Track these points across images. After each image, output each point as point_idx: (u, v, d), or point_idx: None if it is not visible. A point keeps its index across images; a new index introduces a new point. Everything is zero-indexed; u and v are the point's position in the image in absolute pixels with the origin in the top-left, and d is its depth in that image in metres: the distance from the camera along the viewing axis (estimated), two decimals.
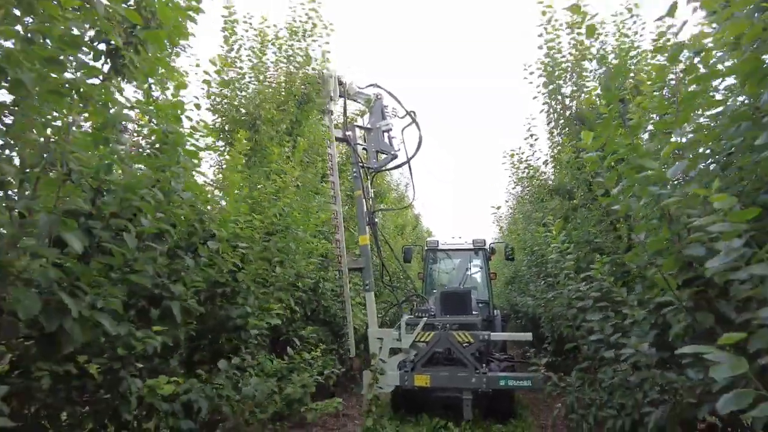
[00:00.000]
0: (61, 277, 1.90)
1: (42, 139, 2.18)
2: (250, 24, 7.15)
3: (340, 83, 6.77)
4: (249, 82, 7.01)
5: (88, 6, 2.40)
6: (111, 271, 2.25)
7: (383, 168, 7.42)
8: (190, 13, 2.96)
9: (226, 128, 6.74)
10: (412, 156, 6.96)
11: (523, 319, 11.13)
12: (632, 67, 6.22)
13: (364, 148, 7.02)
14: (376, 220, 6.94)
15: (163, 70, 3.13)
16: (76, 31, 2.14)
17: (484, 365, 6.01)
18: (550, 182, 7.65)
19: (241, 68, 7.01)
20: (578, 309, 4.16)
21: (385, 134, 7.11)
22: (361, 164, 6.70)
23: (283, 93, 7.19)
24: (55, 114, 2.32)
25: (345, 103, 6.87)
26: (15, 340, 1.94)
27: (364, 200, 6.56)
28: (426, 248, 10.53)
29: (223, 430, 3.74)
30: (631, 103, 4.09)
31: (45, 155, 2.26)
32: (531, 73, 6.87)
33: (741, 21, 1.65)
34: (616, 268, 4.39)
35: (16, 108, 2.14)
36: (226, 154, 6.12)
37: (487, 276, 9.94)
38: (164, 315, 2.74)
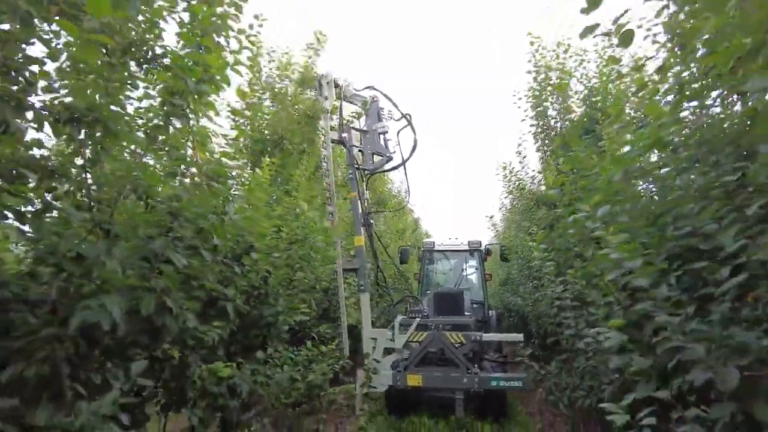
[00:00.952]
0: (166, 285, 2.61)
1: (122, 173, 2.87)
2: (271, 57, 7.86)
3: (337, 85, 6.79)
4: (270, 106, 7.72)
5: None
6: (191, 279, 2.96)
7: (379, 170, 7.45)
8: (238, 67, 3.66)
9: (249, 146, 7.41)
10: (408, 158, 7.13)
11: (515, 318, 11.68)
12: (612, 90, 7.01)
13: (360, 150, 7.07)
14: (371, 221, 7.04)
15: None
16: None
17: (476, 365, 6.20)
18: (538, 194, 8.40)
19: (262, 94, 7.69)
20: (558, 308, 4.91)
21: (381, 136, 7.24)
22: (356, 166, 6.81)
23: (298, 115, 7.77)
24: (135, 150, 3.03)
25: (341, 105, 6.94)
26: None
27: (359, 201, 6.69)
28: (422, 249, 10.73)
29: (257, 411, 4.46)
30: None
31: (127, 186, 2.97)
32: (519, 98, 7.75)
33: (655, 106, 2.39)
34: (586, 274, 5.12)
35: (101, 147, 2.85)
36: (247, 170, 6.77)
37: (482, 277, 10.21)
38: (220, 313, 3.45)
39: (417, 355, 6.35)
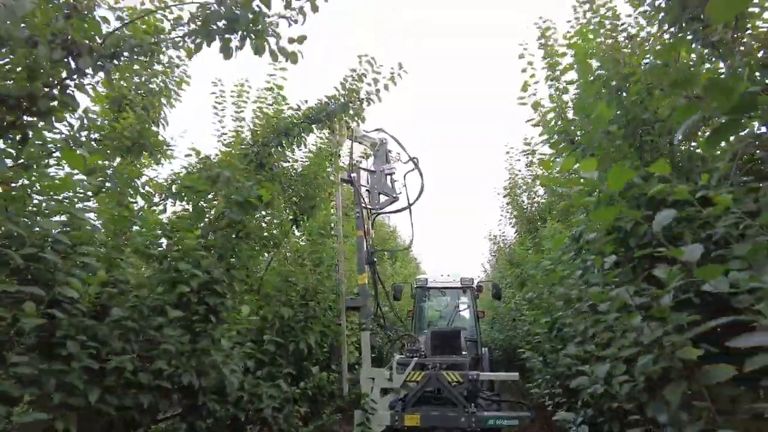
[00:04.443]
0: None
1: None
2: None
3: (348, 127, 6.98)
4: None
5: None
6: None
7: (384, 210, 7.64)
8: None
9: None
10: (414, 201, 7.38)
11: (501, 352, 12.84)
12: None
13: (367, 190, 7.34)
14: (374, 259, 7.18)
15: None
16: None
17: (472, 404, 6.34)
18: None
19: None
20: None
21: (388, 177, 7.52)
22: (363, 205, 7.04)
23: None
24: None
25: (351, 145, 7.19)
26: None
27: (364, 240, 6.88)
28: (415, 286, 10.93)
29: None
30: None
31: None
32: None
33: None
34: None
35: None
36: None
37: (475, 314, 10.42)
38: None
39: (414, 395, 6.50)
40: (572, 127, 4.78)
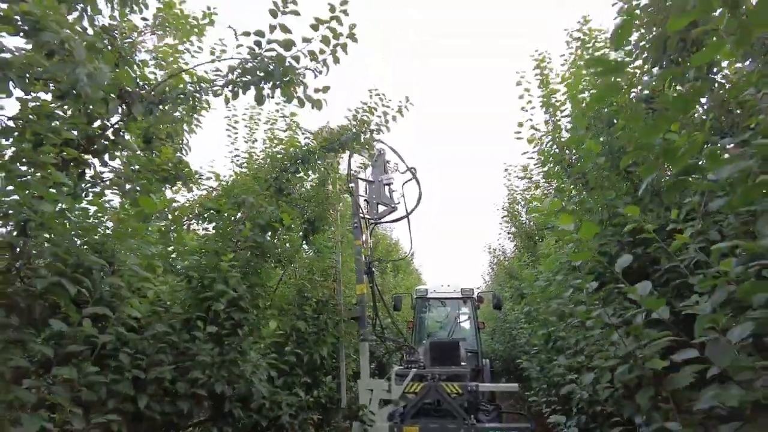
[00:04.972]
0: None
1: None
2: None
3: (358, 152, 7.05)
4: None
5: None
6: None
7: (383, 220, 7.70)
8: None
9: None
10: (412, 210, 7.47)
11: (500, 362, 12.96)
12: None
13: (365, 200, 7.44)
14: (373, 269, 7.23)
15: None
16: None
17: (472, 416, 6.33)
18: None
19: None
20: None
21: (386, 187, 7.59)
22: (361, 215, 7.15)
23: None
24: None
25: (350, 156, 7.27)
26: None
27: (362, 250, 6.95)
28: (415, 296, 11.08)
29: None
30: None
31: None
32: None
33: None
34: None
35: None
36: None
37: (475, 325, 10.52)
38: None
39: (413, 407, 6.50)
40: (566, 151, 5.25)
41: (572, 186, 4.65)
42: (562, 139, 5.24)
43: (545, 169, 5.05)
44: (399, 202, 7.57)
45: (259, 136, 6.95)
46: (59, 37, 2.41)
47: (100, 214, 3.44)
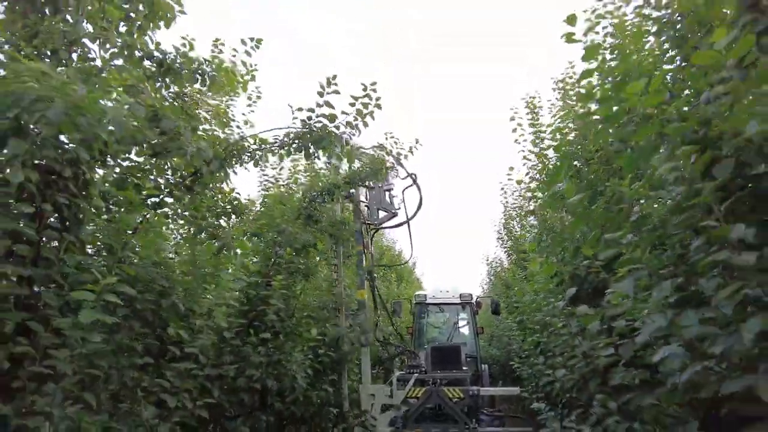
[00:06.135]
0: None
1: None
2: None
3: (347, 143, 7.00)
4: None
5: None
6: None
7: (383, 225, 7.86)
8: None
9: None
10: (413, 216, 7.57)
11: (497, 365, 13.66)
12: None
13: (366, 206, 7.52)
14: (374, 275, 7.59)
15: None
16: None
17: (473, 420, 6.48)
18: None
19: None
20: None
21: (387, 193, 7.64)
22: (363, 221, 7.32)
23: None
24: None
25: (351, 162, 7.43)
26: None
27: (364, 255, 7.15)
28: (414, 302, 11.23)
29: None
30: None
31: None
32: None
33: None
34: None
35: None
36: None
37: (474, 330, 10.80)
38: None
39: (415, 412, 6.59)
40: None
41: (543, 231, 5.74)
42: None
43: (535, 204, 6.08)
44: (399, 208, 7.66)
45: (285, 164, 7.78)
46: (174, 122, 3.37)
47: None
